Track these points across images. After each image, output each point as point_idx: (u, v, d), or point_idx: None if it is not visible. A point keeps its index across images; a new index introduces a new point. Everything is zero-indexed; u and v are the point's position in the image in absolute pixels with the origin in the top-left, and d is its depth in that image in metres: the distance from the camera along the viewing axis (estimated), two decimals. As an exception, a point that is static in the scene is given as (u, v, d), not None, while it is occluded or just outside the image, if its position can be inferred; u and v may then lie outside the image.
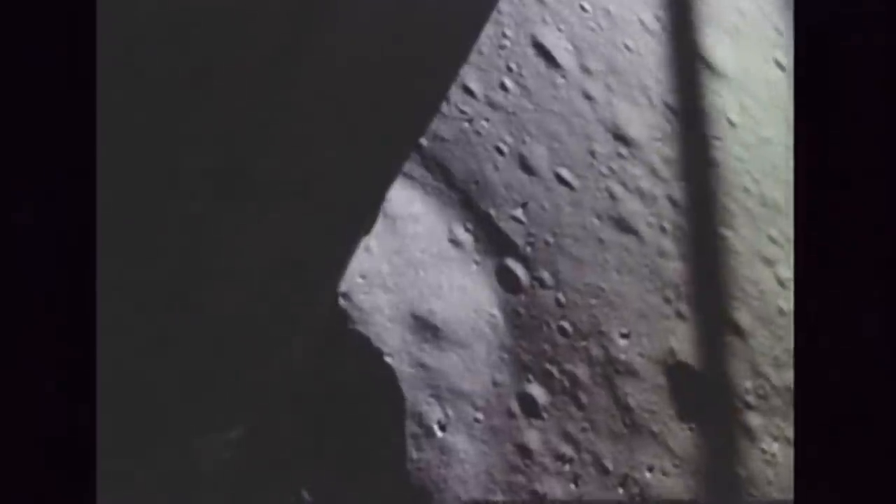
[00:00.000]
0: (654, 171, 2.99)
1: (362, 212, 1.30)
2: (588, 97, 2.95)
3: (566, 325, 2.44)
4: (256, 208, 1.07)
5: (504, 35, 2.85)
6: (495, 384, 2.22)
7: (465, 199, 2.42)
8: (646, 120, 3.09)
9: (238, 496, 1.31)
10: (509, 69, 2.80)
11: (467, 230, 2.39)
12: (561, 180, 2.70)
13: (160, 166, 0.92)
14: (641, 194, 2.90)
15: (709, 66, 3.52)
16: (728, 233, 3.13)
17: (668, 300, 2.74)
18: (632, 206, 2.86)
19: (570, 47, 3.00)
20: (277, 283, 1.18)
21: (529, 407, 2.25)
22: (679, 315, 2.74)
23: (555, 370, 2.34)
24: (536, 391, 2.28)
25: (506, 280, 2.39)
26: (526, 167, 2.63)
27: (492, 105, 2.67)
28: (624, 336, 2.56)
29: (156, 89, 0.86)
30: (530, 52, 2.89)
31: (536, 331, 2.38)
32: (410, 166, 2.39)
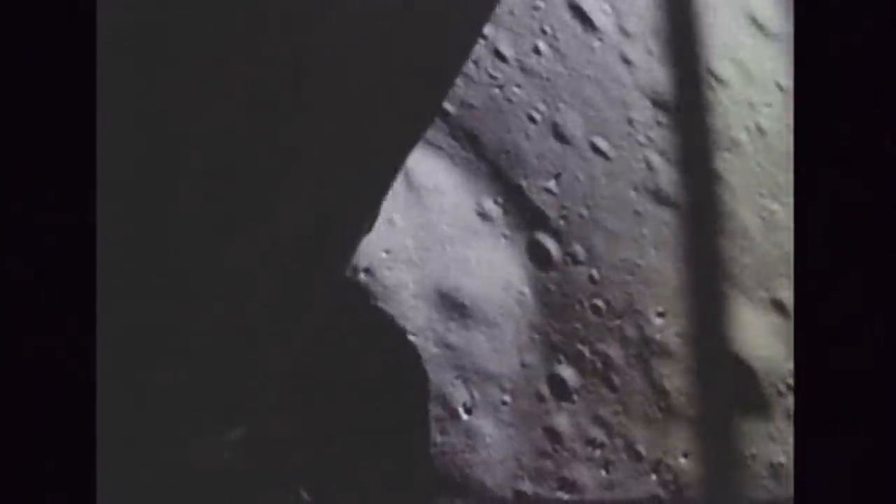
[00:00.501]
0: (692, 140, 2.83)
1: (363, 208, 1.24)
2: (626, 61, 2.79)
3: (599, 303, 2.33)
4: (260, 199, 1.06)
5: (538, -5, 2.69)
6: (524, 365, 2.12)
7: (495, 170, 2.30)
8: (687, 87, 2.91)
9: (238, 496, 1.32)
10: (543, 32, 2.64)
11: (497, 203, 2.27)
12: (596, 150, 2.56)
13: (162, 160, 0.95)
14: (681, 167, 2.74)
15: (757, 27, 3.31)
16: (774, 206, 2.97)
17: (706, 278, 2.60)
18: (671, 178, 2.71)
19: (607, 8, 2.82)
20: (283, 270, 1.19)
21: (559, 389, 2.15)
22: (718, 294, 2.60)
23: (586, 351, 2.24)
24: (567, 373, 2.18)
25: (536, 255, 2.27)
26: (559, 136, 2.50)
27: (524, 70, 2.53)
28: (660, 315, 2.43)
29: (158, 81, 0.86)
30: (566, 13, 2.73)
31: (568, 309, 2.27)
32: (436, 135, 2.27)
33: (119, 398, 1.02)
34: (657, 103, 2.81)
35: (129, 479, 1.06)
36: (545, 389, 2.13)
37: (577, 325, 2.26)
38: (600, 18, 2.80)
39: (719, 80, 3.03)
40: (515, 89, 2.48)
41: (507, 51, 2.53)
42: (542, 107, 2.51)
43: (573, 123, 2.55)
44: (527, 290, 2.22)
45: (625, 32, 2.84)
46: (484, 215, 2.24)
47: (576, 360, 2.21)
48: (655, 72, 2.86)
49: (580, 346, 2.24)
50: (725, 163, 2.87)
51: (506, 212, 2.28)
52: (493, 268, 2.20)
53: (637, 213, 2.54)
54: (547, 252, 2.30)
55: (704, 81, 2.99)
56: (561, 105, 2.55)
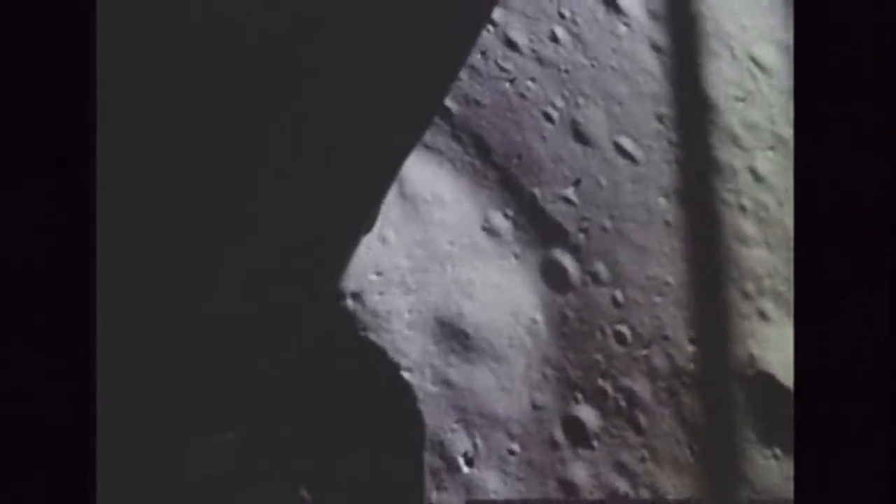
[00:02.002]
0: (733, 139, 2.49)
1: (363, 208, 1.24)
2: (656, 49, 2.45)
3: (624, 329, 2.02)
4: (256, 203, 1.05)
5: (556, -26, 2.36)
6: (535, 406, 1.83)
7: (505, 178, 2.00)
8: (726, 76, 2.57)
9: (237, 496, 1.32)
10: (561, 16, 2.32)
11: (506, 216, 1.97)
12: (622, 151, 2.24)
13: (159, 163, 0.95)
14: (718, 167, 2.42)
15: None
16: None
17: (747, 296, 2.28)
18: (706, 182, 2.39)
19: (636, -12, 2.49)
20: (276, 281, 1.18)
21: (576, 434, 1.86)
22: (760, 314, 2.28)
23: (609, 387, 1.94)
24: (586, 413, 1.89)
25: (552, 276, 1.97)
26: (580, 136, 2.18)
27: (539, 61, 2.21)
28: (693, 341, 2.13)
29: (158, 84, 0.88)
30: (587, -6, 2.40)
31: (588, 338, 1.97)
32: (436, 138, 1.97)
33: (119, 398, 1.03)
34: (691, 97, 2.48)
35: (128, 479, 1.07)
36: (560, 434, 1.84)
37: (598, 357, 1.96)
38: (626, 0, 2.46)
39: (762, 68, 2.68)
40: (529, 83, 2.16)
41: (519, 38, 2.22)
42: (559, 103, 2.19)
43: (595, 122, 2.23)
44: (540, 317, 1.93)
45: (654, 16, 2.51)
46: (491, 231, 1.94)
47: (596, 399, 1.92)
48: (689, 60, 2.52)
49: (601, 382, 1.94)
50: (768, 162, 2.54)
51: (516, 226, 1.98)
52: (501, 291, 1.90)
53: (668, 223, 2.23)
54: (564, 272, 2.00)
55: (744, 69, 2.65)
56: (581, 100, 2.24)
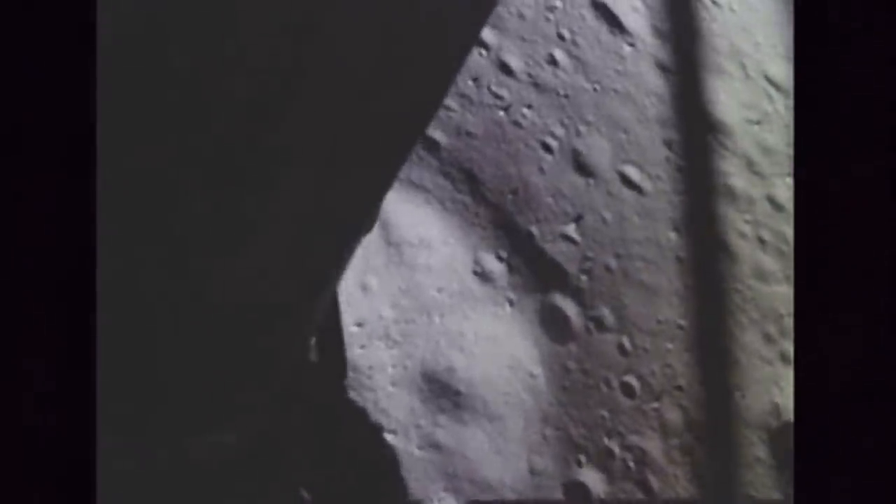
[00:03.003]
0: (749, 165, 2.30)
1: (362, 210, 1.18)
2: (663, 69, 2.27)
3: (632, 380, 1.84)
4: (253, 207, 1.04)
5: (554, -8, 2.20)
6: (534, 471, 1.65)
7: (498, 216, 1.82)
8: (740, 98, 2.38)
9: (237, 496, 1.29)
10: (560, 37, 2.15)
11: (499, 258, 1.79)
12: (627, 182, 2.06)
13: (159, 168, 0.94)
14: (733, 196, 2.23)
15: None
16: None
17: (769, 338, 2.08)
18: (721, 213, 2.20)
19: (639, 5, 2.31)
20: (271, 286, 1.17)
21: (580, 501, 1.67)
22: (784, 358, 2.09)
23: (616, 446, 1.75)
24: (590, 478, 1.70)
25: (551, 324, 1.79)
26: (581, 167, 2.00)
27: (537, 86, 2.04)
28: (710, 391, 1.93)
29: (155, 90, 0.87)
30: (588, 13, 2.23)
31: (592, 392, 1.78)
32: (422, 174, 1.80)
33: (119, 398, 1.04)
34: (703, 121, 2.29)
35: (128, 479, 1.09)
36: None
37: (604, 413, 1.77)
38: (630, 18, 2.29)
39: (778, 87, 2.50)
40: (526, 111, 1.99)
41: (514, 62, 2.05)
42: (559, 131, 2.02)
43: (598, 150, 2.06)
44: (538, 370, 1.74)
45: (661, 34, 2.33)
46: (483, 275, 1.77)
47: (601, 461, 1.73)
48: (699, 82, 2.34)
49: (607, 441, 1.75)
50: (788, 190, 2.34)
51: (511, 269, 1.79)
52: (495, 343, 1.72)
53: (679, 260, 2.04)
54: (564, 319, 1.81)
55: (760, 89, 2.46)
56: (583, 128, 2.06)
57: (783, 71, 2.51)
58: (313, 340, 1.57)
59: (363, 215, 1.20)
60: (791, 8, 2.66)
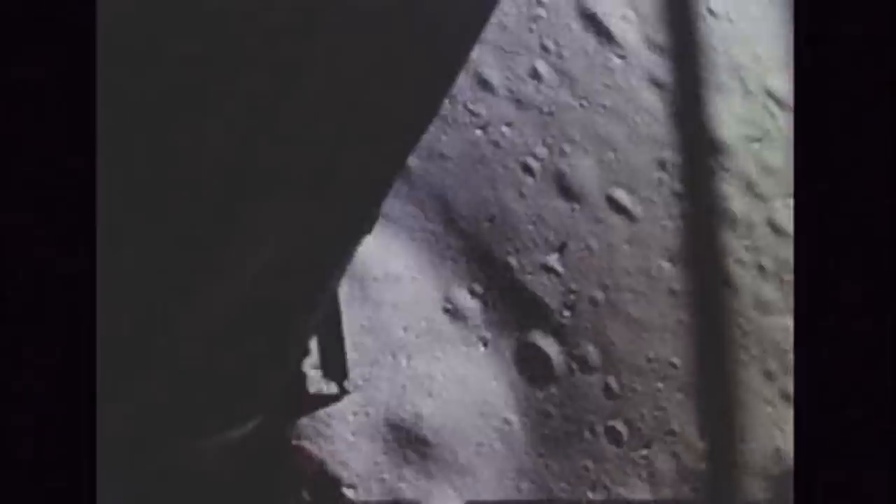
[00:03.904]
0: (749, 187, 2.14)
1: (362, 211, 1.15)
2: (657, 84, 2.11)
3: (619, 425, 1.68)
4: (253, 209, 1.02)
5: (539, 2, 2.04)
6: (508, 532, 1.50)
7: (473, 246, 1.66)
8: (739, 114, 2.22)
9: (238, 496, 1.27)
10: (544, 49, 1.99)
11: (473, 293, 1.63)
12: (616, 207, 1.90)
13: (159, 167, 0.94)
14: (732, 221, 2.07)
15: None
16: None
17: (770, 376, 1.92)
18: (719, 240, 2.04)
19: (630, 14, 2.15)
20: (270, 288, 1.13)
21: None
22: (786, 397, 1.92)
23: (601, 500, 1.59)
24: (572, 538, 1.54)
25: (530, 365, 1.64)
26: (566, 191, 1.85)
27: (518, 102, 1.88)
28: (706, 436, 1.77)
29: (155, 90, 0.87)
30: (575, 23, 2.07)
31: (574, 440, 1.62)
32: (390, 201, 1.64)
33: (119, 398, 1.02)
34: (699, 139, 2.13)
35: (128, 479, 1.06)
36: (539, 569, 1.50)
37: (587, 464, 1.61)
38: (621, 28, 2.13)
39: (779, 103, 2.34)
40: (505, 129, 1.83)
41: (493, 76, 1.89)
42: (541, 151, 1.86)
43: (585, 172, 1.90)
44: (514, 417, 1.58)
45: (654, 46, 2.17)
46: (455, 312, 1.61)
47: (585, 518, 1.57)
48: (695, 97, 2.17)
49: (591, 495, 1.59)
50: (790, 212, 2.18)
51: (486, 305, 1.64)
52: (467, 387, 1.57)
53: (672, 292, 1.88)
54: (544, 359, 1.66)
55: (760, 105, 2.30)
56: (567, 147, 1.90)
57: (785, 85, 2.35)
58: (313, 340, 1.50)
59: (363, 215, 1.17)
60: (793, 19, 2.50)
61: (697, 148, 2.15)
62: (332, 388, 1.48)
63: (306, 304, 1.23)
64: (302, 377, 1.50)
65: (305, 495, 1.43)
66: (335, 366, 1.48)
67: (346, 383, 1.47)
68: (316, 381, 1.49)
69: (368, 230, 1.35)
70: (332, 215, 1.12)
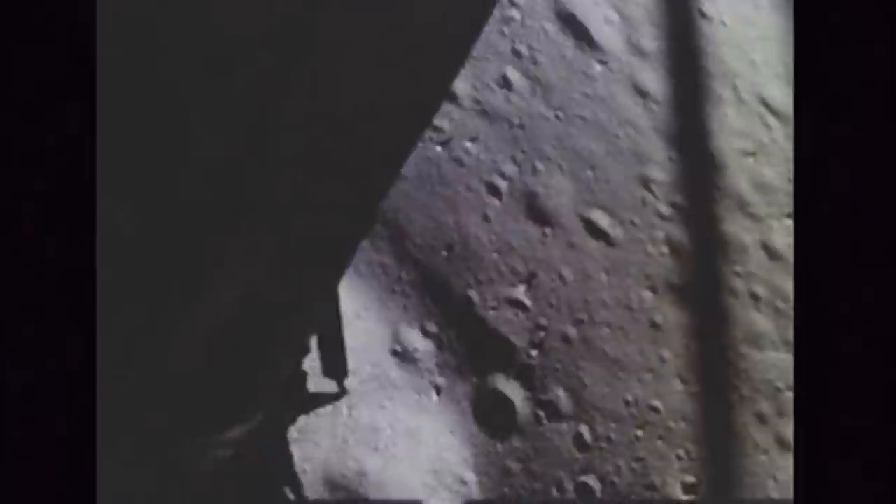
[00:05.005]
0: (742, 206, 1.96)
1: (361, 213, 1.16)
2: (641, 94, 1.92)
3: (591, 481, 1.49)
4: (254, 208, 1.03)
5: (511, 2, 1.84)
6: None
7: (428, 279, 1.47)
8: (732, 125, 2.03)
9: (238, 496, 1.24)
10: (516, 54, 1.80)
11: (426, 333, 1.45)
12: (594, 231, 1.71)
13: (156, 167, 0.96)
14: (723, 244, 1.88)
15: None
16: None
17: (762, 419, 1.73)
18: (708, 265, 1.85)
19: (613, 16, 1.96)
20: (270, 287, 1.12)
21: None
22: (781, 443, 1.73)
23: (569, 570, 1.41)
24: None
25: (490, 414, 1.45)
26: (537, 213, 1.65)
27: (485, 113, 1.69)
28: (691, 488, 1.58)
29: (154, 89, 0.90)
30: (551, 25, 1.88)
31: (539, 499, 1.43)
32: (332, 229, 1.45)
33: (119, 398, 1.02)
34: (687, 154, 1.94)
35: (128, 479, 1.06)
36: None
37: (555, 527, 1.43)
38: (603, 31, 1.93)
39: (776, 113, 2.14)
40: (469, 145, 1.64)
41: (458, 85, 1.70)
42: (510, 169, 1.66)
43: (559, 192, 1.71)
44: (471, 475, 1.39)
45: (639, 51, 1.97)
46: (405, 355, 1.42)
47: (549, 591, 1.38)
48: (684, 107, 1.98)
49: (558, 564, 1.41)
50: (786, 234, 1.99)
51: (441, 346, 1.45)
52: (417, 441, 1.38)
53: (655, 325, 1.68)
54: (508, 407, 1.46)
55: (755, 115, 2.10)
56: (540, 164, 1.71)
57: (783, 94, 2.15)
58: (313, 340, 1.45)
59: (364, 215, 1.16)
60: (792, 23, 2.30)
61: (685, 164, 1.95)
62: (332, 388, 1.40)
63: (304, 304, 1.20)
64: (302, 377, 1.41)
65: (290, 495, 1.36)
66: (335, 365, 1.40)
67: (346, 383, 1.37)
68: (316, 380, 1.36)
69: (369, 230, 1.38)
70: (331, 214, 1.11)
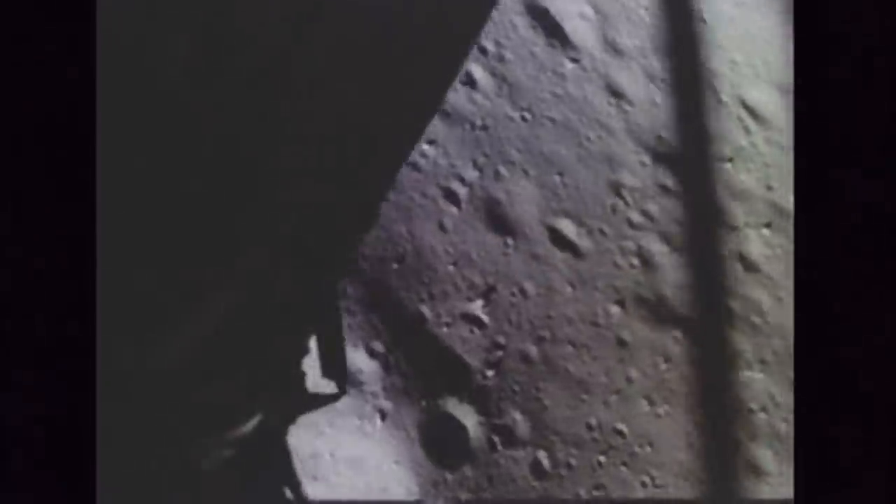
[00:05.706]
0: (718, 215, 1.86)
1: (361, 210, 1.20)
2: (615, 94, 1.81)
3: (550, 512, 1.39)
4: (253, 208, 1.03)
5: (478, -7, 1.73)
6: None
7: (375, 294, 1.36)
8: (710, 129, 1.93)
9: (238, 496, 1.24)
10: (482, 51, 1.68)
11: (372, 353, 1.34)
12: (560, 241, 1.60)
13: (157, 166, 0.95)
14: (696, 255, 1.78)
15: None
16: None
17: (735, 443, 1.64)
18: (679, 279, 1.76)
19: (588, 11, 1.84)
20: (276, 281, 1.12)
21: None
22: (754, 469, 1.64)
23: None
24: None
25: (440, 441, 1.34)
26: (499, 222, 1.55)
27: (445, 115, 1.57)
28: (654, 518, 1.50)
29: (154, 89, 0.92)
30: (520, 20, 1.76)
31: (492, 533, 1.34)
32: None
33: (119, 398, 1.05)
34: (660, 158, 1.83)
35: (128, 479, 1.08)
36: None
37: (507, 563, 1.33)
38: (576, 27, 1.82)
39: (756, 117, 2.04)
40: (426, 148, 1.52)
41: (417, 84, 1.58)
42: (471, 174, 1.55)
43: (523, 200, 1.60)
44: (417, 508, 1.29)
45: (614, 48, 1.86)
46: (348, 377, 1.31)
47: None
48: (659, 108, 1.87)
49: None
50: (763, 245, 1.89)
51: (388, 368, 1.34)
52: (359, 469, 1.27)
53: (622, 343, 1.58)
54: (460, 432, 1.36)
55: (734, 118, 2.00)
56: (504, 170, 1.60)
57: (764, 96, 2.05)
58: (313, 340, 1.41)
59: (364, 215, 1.19)
60: (779, 20, 2.19)
61: (658, 169, 1.85)
62: (332, 388, 1.35)
63: (304, 304, 1.21)
64: (302, 377, 1.36)
65: (306, 494, 1.30)
66: (335, 365, 1.36)
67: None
68: (315, 380, 1.26)
69: (369, 229, 1.36)
70: (333, 215, 1.15)
